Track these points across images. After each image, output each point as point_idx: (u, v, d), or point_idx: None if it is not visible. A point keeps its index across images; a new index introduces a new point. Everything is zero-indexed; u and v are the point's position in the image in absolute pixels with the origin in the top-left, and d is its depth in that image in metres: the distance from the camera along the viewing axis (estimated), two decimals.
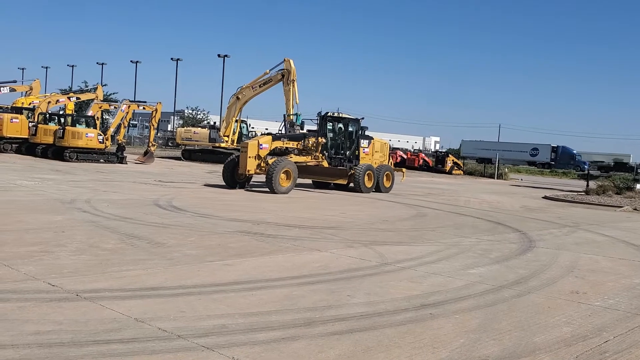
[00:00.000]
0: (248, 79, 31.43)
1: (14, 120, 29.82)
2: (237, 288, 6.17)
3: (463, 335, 5.10)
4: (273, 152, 19.43)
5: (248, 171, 17.84)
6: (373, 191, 20.32)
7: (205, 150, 36.16)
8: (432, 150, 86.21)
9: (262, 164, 18.04)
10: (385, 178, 21.18)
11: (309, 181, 21.76)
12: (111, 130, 31.26)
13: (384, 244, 9.64)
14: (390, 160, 23.71)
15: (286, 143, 19.90)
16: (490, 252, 9.56)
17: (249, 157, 17.83)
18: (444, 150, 61.58)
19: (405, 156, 47.03)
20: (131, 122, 39.36)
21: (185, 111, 73.66)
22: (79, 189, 14.91)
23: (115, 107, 35.12)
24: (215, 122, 54.40)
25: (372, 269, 7.64)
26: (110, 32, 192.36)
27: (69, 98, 37.35)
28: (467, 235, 11.41)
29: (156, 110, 32.70)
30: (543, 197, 24.55)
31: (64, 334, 4.40)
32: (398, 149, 55.96)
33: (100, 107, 34.64)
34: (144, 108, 36.19)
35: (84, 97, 39.76)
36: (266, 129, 79.21)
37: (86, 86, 62.45)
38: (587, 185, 28.01)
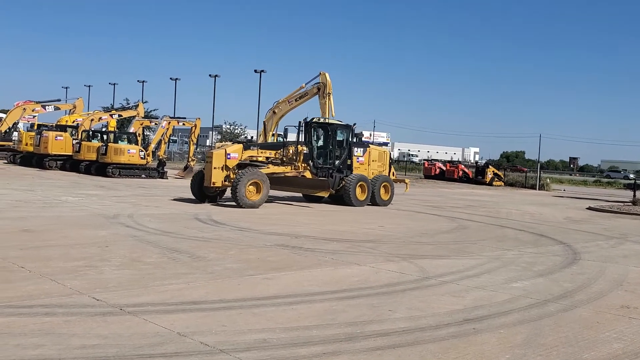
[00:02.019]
0: (284, 93, 31.62)
1: (58, 138, 30.69)
2: (277, 302, 6.17)
3: (508, 350, 4.97)
4: (247, 163, 17.50)
5: (213, 183, 16.20)
6: (369, 204, 18.67)
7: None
8: (472, 161, 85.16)
9: (231, 176, 16.39)
10: (382, 190, 19.26)
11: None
12: (152, 146, 31.85)
13: (425, 258, 9.52)
14: (392, 170, 21.58)
15: (262, 152, 18.03)
16: (534, 265, 9.34)
17: (214, 167, 16.21)
18: (483, 161, 60.73)
19: (444, 167, 46.52)
20: (171, 138, 40.09)
21: (223, 126, 74.71)
22: (121, 204, 15.22)
23: (155, 124, 35.84)
24: (252, 137, 55.02)
25: (413, 283, 7.54)
26: (150, 51, 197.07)
27: (111, 115, 38.29)
28: (510, 248, 11.18)
29: (195, 125, 33.21)
30: (587, 208, 23.91)
31: (109, 348, 4.47)
32: (437, 160, 55.38)
33: (141, 124, 35.38)
34: (183, 124, 36.82)
35: (125, 114, 40.70)
36: None
37: (127, 103, 64.01)
38: (634, 196, 27.16)
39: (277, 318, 5.56)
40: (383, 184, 19.37)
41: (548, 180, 46.17)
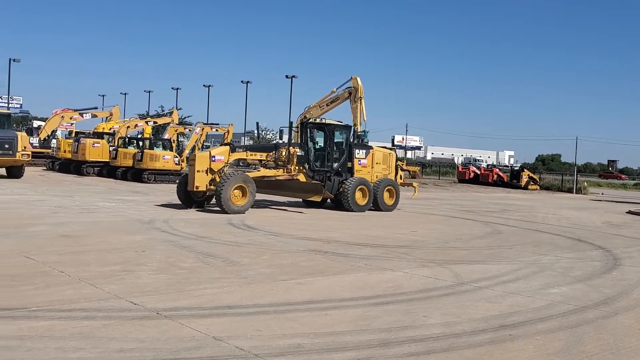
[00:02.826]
0: (315, 98, 31.65)
1: (95, 144, 31.38)
2: (311, 307, 6.18)
3: (546, 357, 4.88)
4: (237, 166, 17.12)
5: (196, 187, 15.33)
6: (372, 209, 17.85)
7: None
8: (507, 165, 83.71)
9: (217, 179, 15.46)
10: (386, 194, 18.36)
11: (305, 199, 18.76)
12: (186, 152, 32.31)
13: (459, 263, 9.41)
14: (400, 173, 20.58)
15: (252, 155, 17.27)
16: (572, 271, 9.15)
17: (197, 171, 15.36)
18: (518, 165, 59.80)
19: (478, 171, 45.98)
20: (205, 143, 40.55)
21: (255, 131, 75.33)
22: (156, 209, 15.45)
23: (189, 130, 36.32)
24: (284, 142, 55.29)
25: (447, 288, 7.47)
26: (184, 59, 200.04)
27: (146, 122, 38.96)
28: (546, 253, 10.97)
29: (228, 131, 33.59)
30: (627, 212, 23.33)
31: (147, 352, 4.54)
32: (470, 164, 54.75)
33: (175, 130, 35.93)
34: (216, 130, 37.27)
35: (160, 121, 41.36)
36: None
37: (162, 110, 65.08)
38: None
39: (310, 323, 5.57)
40: (387, 188, 18.46)
41: (585, 183, 45.22)
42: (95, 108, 42.15)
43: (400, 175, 20.53)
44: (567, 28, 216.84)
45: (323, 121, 18.29)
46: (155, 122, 41.05)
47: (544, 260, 10.18)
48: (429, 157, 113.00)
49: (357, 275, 8.05)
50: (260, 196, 17.70)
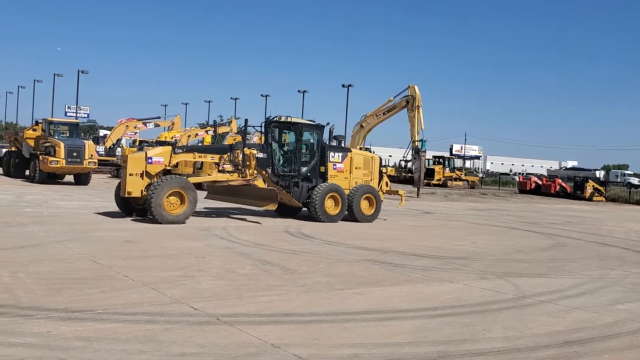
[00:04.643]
0: (371, 107, 31.67)
1: None
2: (368, 317, 6.14)
3: None
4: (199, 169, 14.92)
5: (129, 193, 13.44)
6: (349, 219, 16.05)
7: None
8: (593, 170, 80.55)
9: None
10: (364, 203, 16.41)
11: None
12: None
13: (520, 276, 9.16)
14: (385, 180, 18.36)
15: (202, 156, 15.33)
16: None
17: (130, 174, 13.46)
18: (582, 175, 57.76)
19: (540, 182, 44.68)
20: None
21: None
22: (214, 216, 15.75)
23: (248, 139, 36.89)
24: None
25: (508, 302, 7.28)
26: (243, 69, 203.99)
27: (206, 131, 39.89)
28: (613, 268, 10.54)
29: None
30: None
31: (207, 357, 4.62)
32: (532, 174, 53.31)
33: (234, 139, 36.59)
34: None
35: (220, 130, 42.26)
36: (390, 155, 79.20)
37: (221, 120, 66.50)
38: None
39: (368, 333, 5.54)
40: (365, 196, 16.43)
41: None
42: (158, 117, 43.50)
43: (387, 182, 18.58)
44: (628, 34, 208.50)
45: (290, 120, 16.30)
46: (214, 131, 41.97)
47: (611, 275, 9.78)
48: (488, 166, 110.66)
49: (414, 286, 7.96)
50: (227, 205, 17.00)
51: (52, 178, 26.14)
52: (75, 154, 24.92)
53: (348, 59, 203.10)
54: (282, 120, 16.25)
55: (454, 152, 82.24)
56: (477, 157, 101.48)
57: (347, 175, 16.78)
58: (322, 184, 15.91)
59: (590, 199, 40.59)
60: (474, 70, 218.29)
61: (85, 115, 68.41)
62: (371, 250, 10.95)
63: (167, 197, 13.29)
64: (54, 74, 66.83)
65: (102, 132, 50.27)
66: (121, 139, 42.17)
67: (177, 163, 14.56)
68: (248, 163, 15.11)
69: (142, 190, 13.51)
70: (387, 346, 5.16)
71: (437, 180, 46.47)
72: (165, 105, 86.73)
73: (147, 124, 41.01)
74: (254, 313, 6.03)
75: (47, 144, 25.34)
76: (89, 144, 26.26)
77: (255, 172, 15.32)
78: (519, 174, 56.56)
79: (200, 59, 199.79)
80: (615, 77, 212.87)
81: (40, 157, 25.06)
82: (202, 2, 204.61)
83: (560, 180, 45.28)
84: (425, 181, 38.42)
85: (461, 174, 50.06)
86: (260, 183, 15.84)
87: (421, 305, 6.85)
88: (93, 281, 7.08)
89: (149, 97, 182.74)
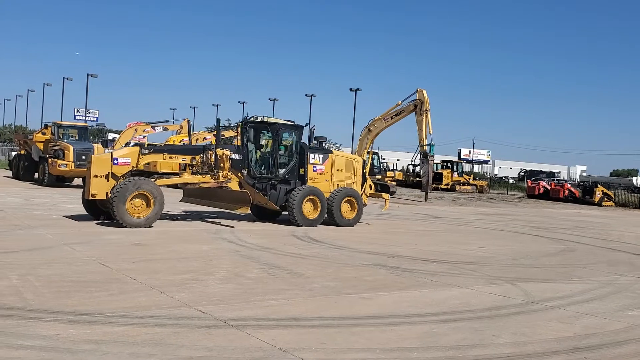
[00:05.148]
0: (379, 111, 31.62)
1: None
2: (376, 322, 6.13)
3: None
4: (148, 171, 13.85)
5: (92, 195, 12.89)
6: (332, 223, 15.52)
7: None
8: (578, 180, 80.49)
9: None
10: (345, 206, 15.82)
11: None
12: None
13: (529, 281, 9.11)
14: (369, 182, 17.71)
15: (172, 157, 14.33)
16: None
17: (94, 176, 12.90)
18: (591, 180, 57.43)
19: (548, 187, 44.46)
20: None
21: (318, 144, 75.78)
22: (222, 220, 15.76)
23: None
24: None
25: (517, 307, 7.24)
26: (250, 73, 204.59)
27: (214, 135, 39.95)
28: (623, 273, 10.46)
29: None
30: None
31: None
32: (541, 179, 53.06)
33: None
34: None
35: (227, 134, 42.28)
36: (397, 160, 79.17)
37: (229, 124, 66.66)
38: None
39: (376, 338, 5.52)
40: (346, 199, 15.83)
41: None
42: (167, 121, 43.57)
43: (370, 185, 17.92)
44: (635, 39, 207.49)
45: (266, 120, 15.72)
46: (222, 135, 42.01)
47: (621, 280, 9.71)
48: (496, 171, 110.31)
49: (422, 291, 7.93)
50: (205, 209, 16.57)
51: (61, 181, 26.29)
52: (84, 157, 25.00)
53: (356, 63, 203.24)
54: (258, 120, 15.69)
55: (462, 157, 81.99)
56: (486, 162, 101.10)
57: (328, 178, 16.20)
58: (300, 187, 15.35)
59: (599, 204, 40.34)
60: (483, 74, 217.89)
61: (94, 119, 68.70)
62: (379, 255, 10.93)
63: (131, 200, 12.69)
64: (64, 78, 67.27)
65: (110, 136, 50.52)
66: (130, 142, 42.35)
67: (149, 163, 13.93)
68: (222, 165, 14.52)
69: (107, 193, 12.92)
70: (396, 351, 5.14)
71: (445, 184, 46.35)
72: (173, 109, 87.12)
73: (156, 128, 41.10)
74: (262, 317, 6.03)
75: (56, 147, 25.49)
76: (97, 147, 26.41)
77: (229, 174, 14.73)
78: (560, 179, 55.97)
79: (208, 62, 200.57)
80: (625, 80, 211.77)
81: (50, 160, 25.22)
82: (211, 6, 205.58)
83: (569, 185, 45.04)
84: (433, 185, 38.33)
85: (469, 179, 49.89)
86: (234, 185, 15.10)
87: (429, 310, 6.83)
88: (102, 284, 7.10)
89: (158, 101, 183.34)
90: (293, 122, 16.05)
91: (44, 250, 9.41)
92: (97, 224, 13.09)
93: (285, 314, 6.23)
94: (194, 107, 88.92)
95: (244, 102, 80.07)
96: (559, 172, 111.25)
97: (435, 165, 41.84)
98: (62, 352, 4.59)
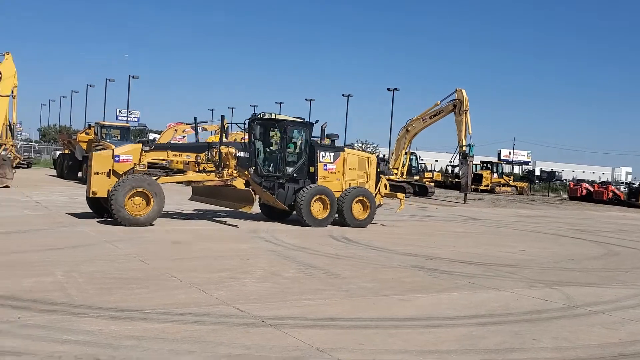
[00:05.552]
0: (417, 111, 31.32)
1: None
2: (414, 324, 6.08)
3: None
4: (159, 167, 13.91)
5: (93, 193, 12.79)
6: (343, 223, 15.04)
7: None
8: (624, 182, 78.26)
9: None
10: (356, 206, 15.31)
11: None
12: None
13: (571, 285, 8.89)
14: (383, 182, 17.05)
15: (176, 155, 14.43)
16: None
17: (95, 173, 12.77)
18: (637, 182, 55.76)
19: (591, 188, 43.33)
20: None
21: (355, 144, 75.64)
22: (258, 220, 15.86)
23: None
24: (384, 155, 55.17)
25: (558, 311, 7.07)
26: (287, 74, 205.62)
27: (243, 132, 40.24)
28: None
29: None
30: None
31: (253, 359, 4.66)
32: (583, 180, 51.78)
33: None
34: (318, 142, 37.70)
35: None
36: (436, 160, 78.37)
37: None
38: None
39: (413, 340, 5.47)
40: (358, 199, 15.30)
41: None
42: (206, 122, 44.23)
43: (385, 185, 17.28)
44: None
45: (274, 117, 15.31)
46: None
47: None
48: (537, 172, 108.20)
49: (461, 293, 7.83)
50: (215, 208, 16.18)
51: None
52: None
53: (393, 63, 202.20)
54: (266, 117, 15.29)
55: (502, 158, 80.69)
56: (526, 163, 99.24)
57: (340, 177, 15.66)
58: (308, 186, 14.88)
59: None
60: (523, 73, 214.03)
61: (136, 119, 70.12)
62: (417, 257, 10.84)
63: (130, 198, 12.45)
64: (106, 79, 68.93)
65: (151, 136, 51.34)
66: (170, 143, 43.07)
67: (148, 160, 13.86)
68: (227, 162, 14.27)
69: (108, 190, 12.68)
70: (433, 353, 5.09)
71: (485, 185, 45.65)
72: (212, 110, 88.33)
73: (195, 128, 41.70)
74: (299, 316, 6.05)
75: (99, 147, 26.06)
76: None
77: (235, 172, 14.46)
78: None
79: (246, 63, 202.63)
80: None
81: None
82: (248, 9, 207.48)
83: (613, 187, 43.81)
84: (473, 187, 37.80)
85: (509, 180, 49.00)
86: (239, 184, 14.63)
87: (468, 312, 6.73)
88: (142, 281, 7.24)
89: (197, 102, 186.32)
90: (303, 119, 15.76)
91: (87, 247, 9.65)
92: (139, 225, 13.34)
93: (322, 314, 6.23)
94: (232, 108, 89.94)
95: (280, 103, 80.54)
96: (603, 174, 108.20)
97: (474, 166, 41.24)
98: (105, 348, 4.69)
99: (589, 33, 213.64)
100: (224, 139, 15.27)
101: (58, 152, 34.75)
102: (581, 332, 6.11)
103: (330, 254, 10.56)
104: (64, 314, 5.58)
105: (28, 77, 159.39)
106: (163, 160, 14.62)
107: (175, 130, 40.65)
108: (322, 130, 17.00)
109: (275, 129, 15.19)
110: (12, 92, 22.53)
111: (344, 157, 15.81)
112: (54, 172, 33.62)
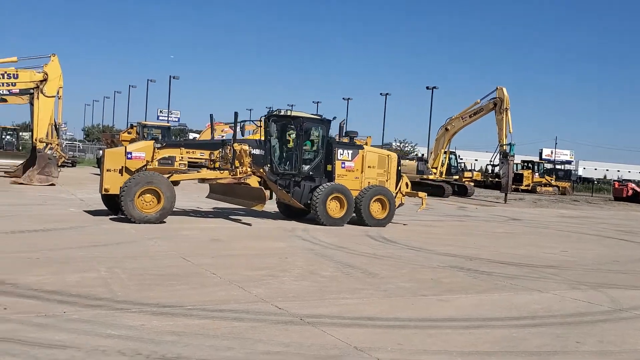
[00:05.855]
0: (456, 110, 30.81)
1: None
2: (453, 325, 6.01)
3: None
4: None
5: (106, 190, 12.78)
6: (361, 223, 14.74)
7: (412, 182, 36.36)
8: None
9: None
10: (375, 205, 14.98)
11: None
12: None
13: (616, 287, 8.65)
14: (405, 180, 16.67)
15: (190, 152, 14.11)
16: None
17: (107, 170, 12.79)
18: None
19: (638, 189, 42.03)
20: None
21: (393, 144, 75.21)
22: (294, 219, 15.92)
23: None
24: (423, 154, 54.66)
25: (603, 314, 6.89)
26: (324, 73, 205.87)
27: (289, 135, 40.48)
28: None
29: (366, 143, 33.85)
30: None
31: (291, 356, 4.68)
32: (630, 180, 50.27)
33: None
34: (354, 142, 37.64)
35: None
36: (475, 160, 77.21)
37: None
38: None
39: (453, 341, 5.41)
40: (376, 198, 14.98)
41: None
42: (244, 121, 44.57)
43: (407, 183, 16.85)
44: None
45: (290, 113, 14.93)
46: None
47: None
48: (580, 172, 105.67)
49: (501, 294, 7.70)
50: (229, 206, 15.98)
51: None
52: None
53: (433, 62, 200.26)
54: (282, 114, 14.99)
55: (543, 157, 79.02)
56: (569, 162, 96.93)
57: (359, 175, 15.31)
58: (325, 184, 14.57)
59: None
60: (566, 71, 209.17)
61: (176, 119, 71.34)
62: (456, 257, 10.71)
63: (140, 195, 12.44)
64: (148, 80, 70.27)
65: (191, 135, 52.19)
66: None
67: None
68: (242, 160, 14.09)
69: (120, 187, 12.59)
70: (473, 354, 5.02)
71: (526, 185, 44.83)
72: (250, 110, 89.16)
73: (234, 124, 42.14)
74: (337, 315, 6.05)
75: None
76: None
77: (249, 169, 14.19)
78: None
79: (283, 64, 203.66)
80: None
81: None
82: (289, 9, 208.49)
83: None
84: (513, 186, 37.16)
85: (551, 179, 47.96)
86: (253, 182, 14.18)
87: (508, 314, 6.62)
88: (182, 278, 7.35)
89: (235, 102, 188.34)
90: (320, 115, 15.53)
91: (129, 244, 9.86)
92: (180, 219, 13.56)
93: (360, 313, 6.22)
94: (269, 107, 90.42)
95: (317, 102, 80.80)
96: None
97: (515, 165, 40.53)
98: (147, 343, 4.79)
99: (634, 32, 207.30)
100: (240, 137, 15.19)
101: (101, 152, 35.70)
102: (628, 336, 5.94)
103: (367, 253, 10.53)
104: (108, 309, 5.72)
105: (73, 78, 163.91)
106: (202, 159, 14.78)
107: (215, 129, 41.19)
108: (341, 128, 16.78)
109: (292, 126, 14.88)
110: (58, 93, 23.16)
111: (363, 155, 15.49)
112: (98, 170, 34.45)
